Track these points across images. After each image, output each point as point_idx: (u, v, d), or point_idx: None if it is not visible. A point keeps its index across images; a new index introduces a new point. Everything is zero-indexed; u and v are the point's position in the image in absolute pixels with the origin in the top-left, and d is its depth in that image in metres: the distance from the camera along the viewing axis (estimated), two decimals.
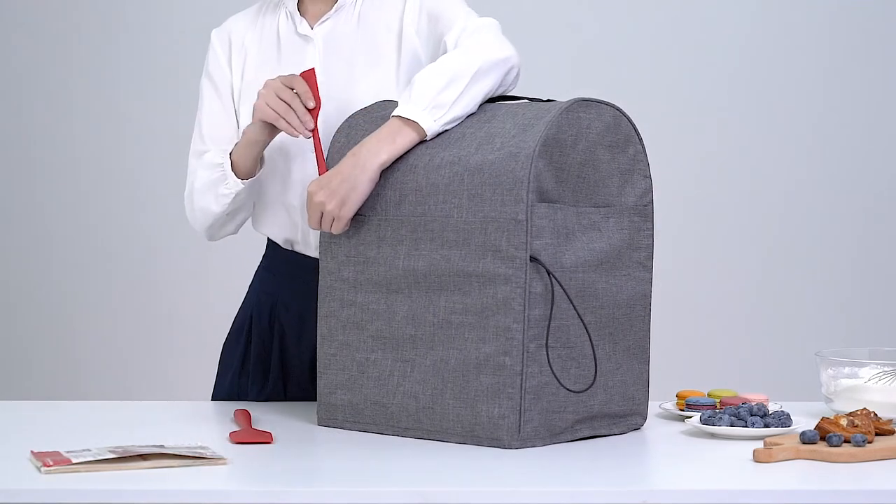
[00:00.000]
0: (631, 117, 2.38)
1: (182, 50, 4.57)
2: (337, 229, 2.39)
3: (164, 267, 4.64)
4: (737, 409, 2.37)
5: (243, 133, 2.56)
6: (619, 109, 2.37)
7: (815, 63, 4.61)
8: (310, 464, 2.25)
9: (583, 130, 2.32)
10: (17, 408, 2.71)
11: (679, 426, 2.46)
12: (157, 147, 4.63)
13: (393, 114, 2.40)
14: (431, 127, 2.38)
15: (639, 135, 2.39)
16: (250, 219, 2.70)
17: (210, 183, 2.59)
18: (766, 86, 4.61)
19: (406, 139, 2.37)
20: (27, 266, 4.67)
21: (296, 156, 2.61)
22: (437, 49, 2.57)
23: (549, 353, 2.27)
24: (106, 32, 4.63)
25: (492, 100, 2.46)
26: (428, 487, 2.04)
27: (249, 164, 2.57)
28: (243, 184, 2.57)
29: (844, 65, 4.61)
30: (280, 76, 2.49)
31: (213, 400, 2.76)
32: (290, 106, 2.45)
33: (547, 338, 2.26)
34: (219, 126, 2.66)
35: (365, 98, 2.57)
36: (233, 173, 2.56)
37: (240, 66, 2.67)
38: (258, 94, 2.49)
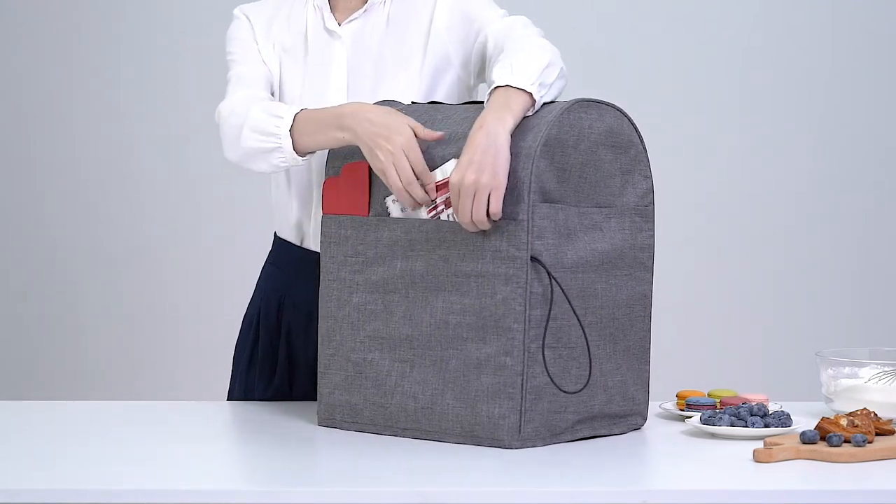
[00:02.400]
0: (632, 118, 2.38)
1: (182, 50, 4.57)
2: (497, 205, 2.25)
3: (170, 265, 4.63)
4: (737, 409, 2.37)
5: (324, 131, 2.42)
6: (620, 110, 2.37)
7: (816, 63, 4.60)
8: (310, 464, 2.25)
9: (584, 131, 2.32)
10: (19, 408, 2.68)
11: (679, 426, 2.45)
12: (161, 146, 4.62)
13: (496, 84, 2.32)
14: (539, 101, 2.33)
15: (640, 135, 2.39)
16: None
17: (261, 150, 2.47)
18: (766, 86, 4.60)
19: (519, 105, 2.30)
20: (32, 266, 4.65)
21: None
22: (471, 48, 2.58)
23: (550, 353, 2.27)
24: (106, 32, 4.62)
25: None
26: (428, 487, 2.04)
27: (315, 147, 2.46)
28: (302, 161, 2.49)
29: (846, 65, 4.61)
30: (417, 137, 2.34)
31: (228, 400, 2.75)
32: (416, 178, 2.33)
33: (544, 338, 2.26)
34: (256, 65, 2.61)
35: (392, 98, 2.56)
36: (293, 151, 2.46)
37: (268, 54, 2.62)
38: (379, 144, 2.33)
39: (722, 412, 2.37)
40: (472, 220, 2.25)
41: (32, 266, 4.66)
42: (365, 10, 2.61)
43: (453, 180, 2.26)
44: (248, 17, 2.65)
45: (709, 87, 4.59)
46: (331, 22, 2.61)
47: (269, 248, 2.76)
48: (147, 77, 4.61)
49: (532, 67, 2.33)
